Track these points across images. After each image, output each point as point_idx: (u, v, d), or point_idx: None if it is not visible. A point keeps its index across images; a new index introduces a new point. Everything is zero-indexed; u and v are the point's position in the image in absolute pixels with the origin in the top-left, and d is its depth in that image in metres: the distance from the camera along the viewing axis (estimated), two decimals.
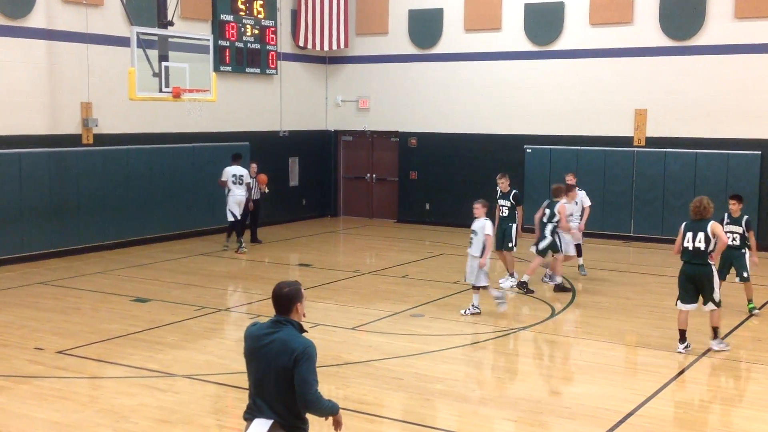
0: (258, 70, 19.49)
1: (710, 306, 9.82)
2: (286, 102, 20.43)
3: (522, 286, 13.00)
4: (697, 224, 9.81)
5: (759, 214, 17.15)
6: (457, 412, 7.98)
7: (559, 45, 19.03)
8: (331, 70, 21.97)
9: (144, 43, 13.40)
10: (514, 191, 13.55)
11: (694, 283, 9.81)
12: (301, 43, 20.71)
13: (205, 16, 18.18)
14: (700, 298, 9.88)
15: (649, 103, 18.14)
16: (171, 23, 14.40)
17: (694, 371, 9.25)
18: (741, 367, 9.49)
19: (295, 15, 20.71)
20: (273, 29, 19.75)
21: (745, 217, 11.78)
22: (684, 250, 9.84)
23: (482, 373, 9.36)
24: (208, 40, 14.87)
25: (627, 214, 18.43)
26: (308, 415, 4.90)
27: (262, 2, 19.35)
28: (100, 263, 15.17)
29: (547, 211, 13.02)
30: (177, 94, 13.67)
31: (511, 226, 13.42)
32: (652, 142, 18.16)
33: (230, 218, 16.63)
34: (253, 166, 17.43)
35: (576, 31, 18.81)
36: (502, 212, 13.54)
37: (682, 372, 9.18)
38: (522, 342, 10.56)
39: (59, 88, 15.55)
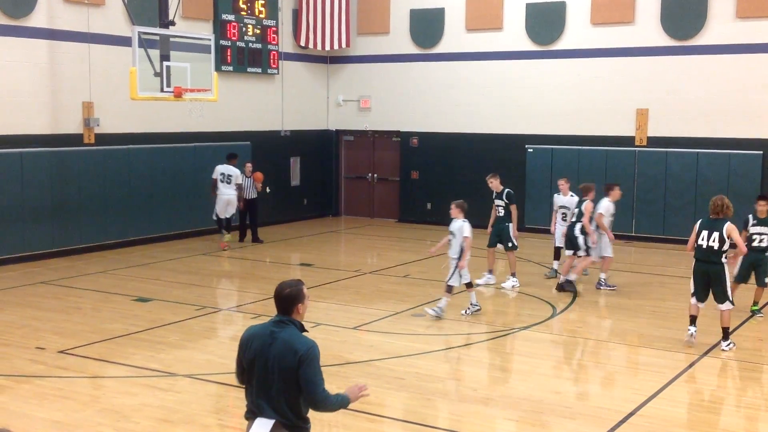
0: (259, 70, 19.49)
1: (727, 305, 9.86)
2: (287, 102, 20.44)
3: (565, 285, 12.72)
4: (714, 223, 9.80)
5: None
6: (458, 411, 7.98)
7: (561, 45, 19.02)
8: (332, 70, 21.97)
9: (145, 43, 13.40)
10: (506, 190, 13.38)
11: (706, 281, 9.90)
12: (303, 43, 20.71)
13: (206, 16, 18.18)
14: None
15: (650, 102, 18.13)
16: (172, 23, 14.40)
17: (695, 371, 9.25)
18: (743, 367, 9.49)
19: (297, 14, 20.71)
20: (274, 29, 19.75)
21: None
22: (697, 248, 9.88)
23: (483, 373, 9.35)
24: (210, 39, 14.87)
25: (628, 214, 18.39)
26: (310, 414, 4.91)
27: (263, 2, 19.35)
28: (102, 263, 15.18)
29: (576, 210, 12.91)
30: (178, 94, 13.67)
31: (508, 226, 13.35)
32: (653, 141, 18.15)
33: (213, 217, 16.85)
34: (248, 165, 17.46)
35: (577, 31, 18.80)
36: (498, 212, 13.47)
37: (683, 372, 9.18)
38: (523, 342, 10.55)
39: (60, 88, 15.56)
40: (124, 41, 14.76)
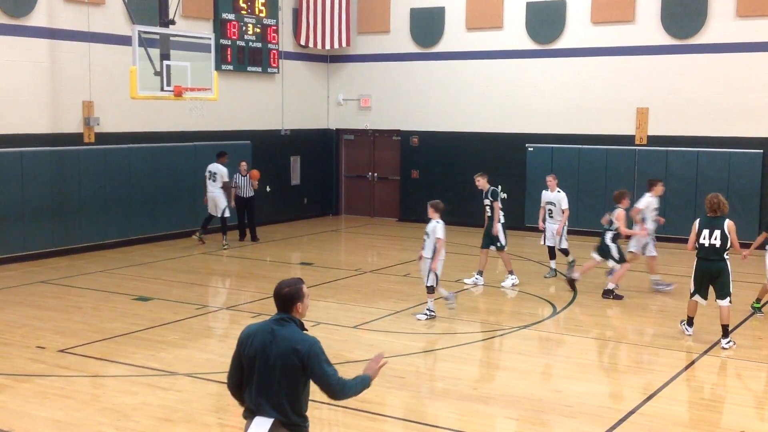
0: (259, 69, 19.49)
1: (727, 302, 9.94)
2: (287, 101, 20.44)
3: (608, 294, 12.47)
4: (713, 221, 9.93)
5: (761, 213, 17.13)
6: (458, 410, 7.98)
7: (561, 43, 19.02)
8: (332, 69, 21.97)
9: (145, 42, 13.39)
10: (491, 188, 13.34)
11: (709, 279, 10.00)
12: (303, 42, 20.71)
13: (206, 15, 18.18)
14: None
15: (650, 101, 18.13)
16: (172, 22, 14.39)
17: (696, 370, 9.25)
18: (743, 365, 9.48)
19: (297, 14, 20.71)
20: (274, 28, 19.75)
21: None
22: (700, 247, 9.99)
23: (484, 372, 9.36)
24: (210, 38, 14.87)
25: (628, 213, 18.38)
26: (309, 414, 4.91)
27: (263, 1, 19.35)
28: (102, 262, 15.18)
29: (608, 218, 12.64)
30: (178, 93, 13.67)
31: (498, 226, 13.27)
32: (653, 140, 18.15)
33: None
34: (243, 164, 17.49)
35: (578, 30, 18.80)
36: (487, 212, 13.42)
37: (683, 370, 9.18)
38: (523, 340, 10.55)
39: (61, 87, 15.56)
40: (125, 40, 14.76)
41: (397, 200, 21.58)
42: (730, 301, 10.00)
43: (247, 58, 19.10)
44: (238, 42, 18.81)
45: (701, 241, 9.93)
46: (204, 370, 8.99)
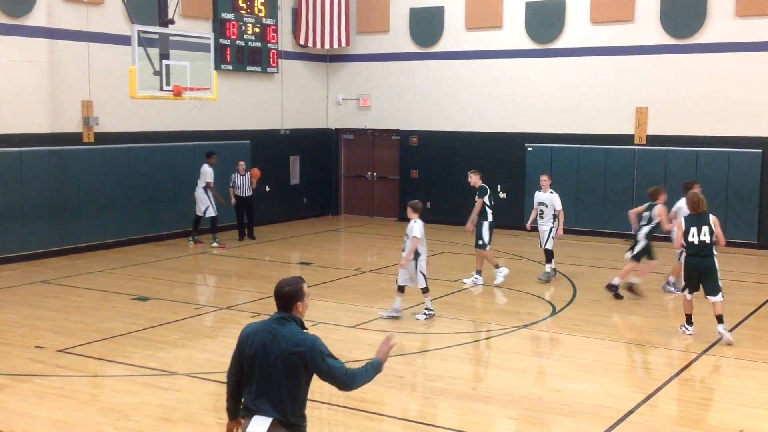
0: (259, 69, 19.49)
1: (719, 297, 10.10)
2: (287, 100, 20.44)
3: (611, 288, 12.43)
4: (700, 218, 10.20)
5: (760, 212, 17.15)
6: (458, 410, 7.98)
7: (560, 43, 19.02)
8: (332, 69, 21.97)
9: (145, 42, 13.39)
10: (480, 186, 13.38)
11: (698, 275, 10.18)
12: (302, 42, 20.71)
13: (206, 15, 18.18)
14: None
15: (650, 101, 18.13)
16: (172, 21, 14.39)
17: (694, 369, 9.25)
18: (741, 364, 9.49)
19: (296, 13, 20.71)
20: (274, 27, 19.75)
21: None
22: (690, 244, 10.17)
23: (483, 371, 9.36)
24: (209, 38, 14.87)
25: (627, 212, 18.39)
26: (307, 413, 4.91)
27: (262, 1, 19.35)
28: (101, 262, 15.18)
29: (646, 213, 12.52)
30: (178, 93, 13.67)
31: (482, 224, 13.32)
32: (653, 140, 18.15)
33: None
34: (241, 163, 17.53)
35: (577, 29, 18.80)
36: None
37: (682, 370, 9.18)
38: (523, 340, 10.55)
39: (60, 87, 15.55)
40: (124, 40, 14.76)
41: (397, 200, 21.57)
42: (722, 296, 10.17)
43: (246, 57, 19.10)
44: (237, 42, 18.80)
45: (690, 239, 10.15)
46: (203, 369, 8.99)
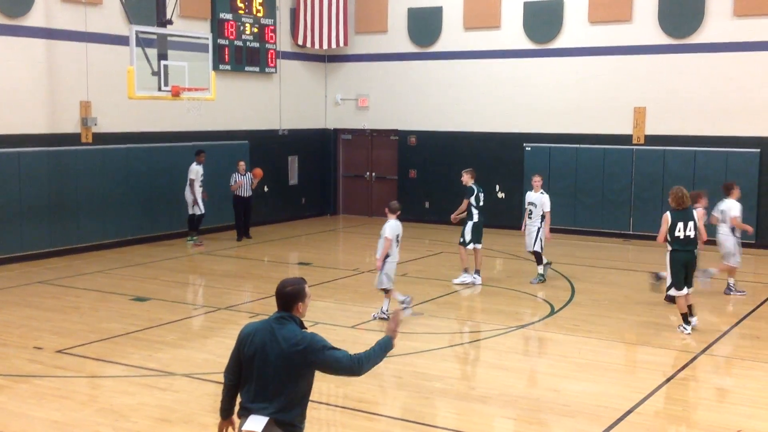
0: (257, 69, 19.48)
1: (692, 288, 10.63)
2: (285, 100, 20.44)
3: (656, 278, 12.01)
4: (685, 213, 10.44)
5: (758, 212, 17.16)
6: (456, 410, 7.99)
7: (559, 43, 19.03)
8: (330, 69, 21.97)
9: (143, 42, 13.39)
10: (467, 186, 13.46)
11: (686, 269, 10.47)
12: (301, 42, 20.71)
13: (204, 15, 18.17)
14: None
15: (648, 101, 18.14)
16: (170, 22, 14.38)
17: (692, 369, 9.26)
18: (740, 364, 9.50)
19: (295, 13, 20.71)
20: (272, 28, 19.75)
21: None
22: (676, 239, 10.40)
23: (481, 371, 9.36)
24: (207, 38, 14.86)
25: (626, 212, 18.44)
26: (306, 414, 4.91)
27: (261, 1, 19.34)
28: (100, 262, 15.17)
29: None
30: (176, 93, 13.67)
31: (467, 223, 13.39)
32: (651, 139, 18.16)
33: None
34: (241, 163, 17.58)
35: (575, 29, 18.81)
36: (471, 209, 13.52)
37: (681, 369, 9.19)
38: (521, 340, 10.56)
39: (58, 87, 15.55)
40: (122, 40, 14.75)
41: (395, 200, 21.53)
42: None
43: (244, 57, 19.09)
44: (235, 42, 18.80)
45: (677, 233, 10.38)
46: (202, 370, 8.99)
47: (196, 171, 16.80)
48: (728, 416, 7.89)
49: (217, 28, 18.28)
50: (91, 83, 15.78)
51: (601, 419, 7.65)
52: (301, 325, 4.86)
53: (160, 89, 13.60)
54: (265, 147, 19.83)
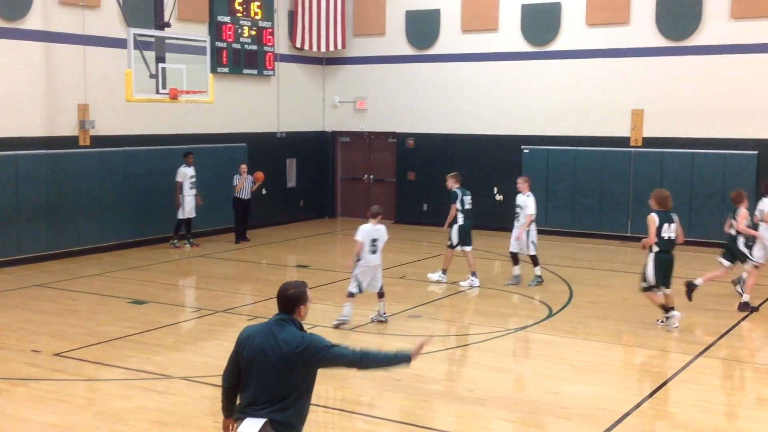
0: (255, 72, 19.48)
1: (670, 290, 10.79)
2: (283, 103, 20.44)
3: (745, 306, 11.88)
4: (669, 215, 10.69)
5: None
6: (454, 412, 7.98)
7: (556, 45, 19.04)
8: (328, 71, 21.97)
9: (141, 45, 13.38)
10: (452, 190, 13.55)
11: (668, 270, 10.72)
12: (299, 44, 20.71)
13: (202, 18, 18.17)
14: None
15: (645, 103, 18.15)
16: (168, 25, 14.38)
17: (690, 371, 9.26)
18: (738, 367, 9.50)
19: (292, 16, 20.71)
20: (270, 30, 19.75)
21: None
22: (662, 240, 10.62)
23: (480, 374, 9.35)
24: (205, 41, 14.88)
25: (624, 214, 18.44)
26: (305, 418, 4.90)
27: (259, 3, 19.35)
28: (98, 265, 15.15)
29: (733, 221, 12.21)
30: (174, 96, 13.66)
31: (453, 226, 13.45)
32: (649, 142, 18.18)
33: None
34: (243, 166, 17.63)
35: (573, 32, 18.82)
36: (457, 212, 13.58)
37: (679, 372, 9.19)
38: (519, 342, 10.56)
39: (56, 90, 15.54)
40: (120, 43, 14.74)
41: (393, 202, 21.57)
42: None
43: (242, 60, 19.10)
44: (233, 44, 18.80)
45: (663, 234, 10.57)
46: (200, 373, 8.98)
47: (183, 173, 16.71)
48: (726, 418, 7.89)
49: (215, 30, 18.28)
50: (89, 86, 15.77)
51: (599, 421, 7.65)
52: (301, 328, 4.87)
53: (158, 92, 13.60)
54: (263, 150, 19.83)
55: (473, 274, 13.57)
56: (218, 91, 16.51)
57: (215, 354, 9.63)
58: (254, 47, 19.36)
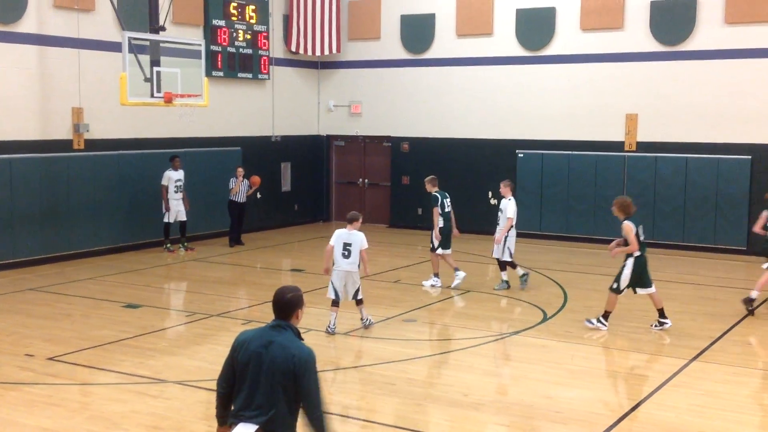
0: (250, 75, 19.49)
1: (654, 288, 11.03)
2: (278, 107, 20.44)
3: (748, 302, 11.92)
4: (635, 219, 10.95)
5: (749, 219, 17.20)
6: (449, 417, 7.98)
7: (551, 50, 19.08)
8: (323, 75, 21.99)
9: (135, 48, 13.38)
10: (432, 194, 13.64)
11: (644, 271, 10.92)
12: (294, 48, 20.72)
13: (197, 21, 18.17)
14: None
15: (639, 107, 18.20)
16: (163, 28, 14.38)
17: (684, 375, 9.27)
18: (731, 371, 9.52)
19: (287, 20, 20.73)
20: (265, 34, 19.76)
21: None
22: (641, 244, 10.86)
23: (474, 378, 9.35)
24: (200, 45, 14.88)
25: (618, 219, 18.42)
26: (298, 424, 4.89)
27: (254, 7, 19.36)
28: (92, 269, 15.12)
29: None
30: (169, 100, 13.66)
31: (436, 230, 13.54)
32: (643, 146, 18.22)
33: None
34: (240, 169, 17.65)
35: (567, 37, 18.87)
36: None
37: (673, 376, 9.20)
38: (514, 346, 10.56)
39: (50, 94, 15.51)
40: (114, 47, 14.75)
41: (388, 206, 21.59)
42: None
43: (237, 64, 19.09)
44: (228, 48, 18.80)
45: (640, 238, 10.83)
46: (194, 377, 8.96)
47: (167, 177, 16.64)
48: (719, 423, 7.90)
49: (210, 34, 18.29)
50: (84, 89, 15.75)
51: (593, 426, 7.66)
52: (299, 335, 4.84)
53: (152, 95, 13.60)
54: (257, 153, 19.82)
55: (436, 275, 13.76)
56: (213, 94, 16.49)
57: (209, 358, 9.62)
58: (249, 51, 19.37)
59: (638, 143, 18.28)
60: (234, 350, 4.85)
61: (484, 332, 11.09)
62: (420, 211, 20.86)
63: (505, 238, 13.44)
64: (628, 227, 10.74)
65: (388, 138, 21.39)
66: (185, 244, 17.09)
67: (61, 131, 15.77)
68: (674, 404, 8.44)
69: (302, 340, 4.85)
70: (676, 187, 17.84)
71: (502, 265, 13.61)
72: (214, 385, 5.09)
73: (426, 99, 20.59)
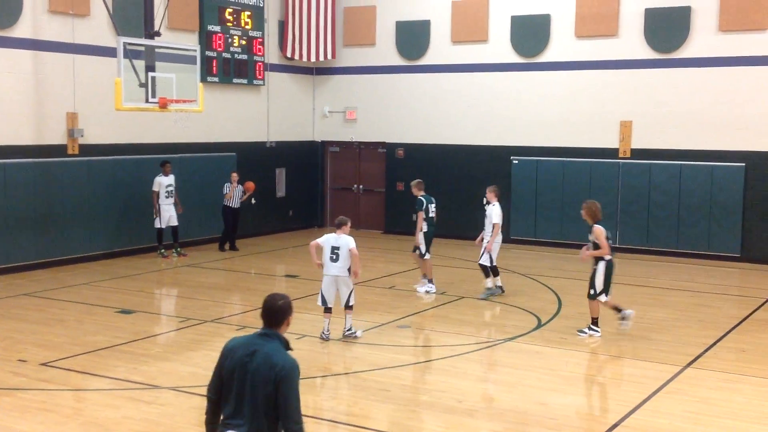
0: (245, 81, 19.49)
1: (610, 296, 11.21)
2: (273, 113, 20.44)
3: None
4: (603, 224, 11.03)
5: (743, 226, 17.27)
6: (443, 423, 7.97)
7: (546, 57, 19.13)
8: (318, 81, 22.00)
9: (130, 54, 13.37)
10: (418, 198, 13.78)
11: (611, 275, 11.10)
12: (289, 54, 20.73)
13: (192, 27, 18.17)
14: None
15: (634, 115, 18.25)
16: (158, 34, 14.38)
17: (679, 382, 9.28)
18: (726, 377, 9.53)
19: (283, 26, 20.74)
20: (260, 40, 19.77)
21: None
22: (612, 249, 11.00)
23: (468, 385, 9.34)
24: (195, 50, 14.89)
25: (612, 226, 18.46)
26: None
27: (249, 13, 19.38)
28: (85, 274, 15.08)
29: None
30: (163, 105, 13.65)
31: (419, 234, 13.61)
32: (637, 153, 18.26)
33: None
34: (234, 174, 17.67)
35: (562, 44, 18.92)
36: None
37: (667, 383, 9.21)
38: (508, 353, 10.56)
39: (45, 98, 15.49)
40: (109, 52, 14.73)
41: (383, 212, 21.59)
42: None
43: (232, 70, 19.10)
44: (223, 54, 18.80)
45: (611, 244, 10.99)
46: (187, 383, 8.94)
47: (158, 183, 16.60)
48: (714, 429, 7.91)
49: (205, 40, 18.29)
50: (78, 94, 15.74)
51: None
52: (287, 346, 4.79)
53: (147, 101, 13.59)
54: (252, 159, 19.81)
55: (428, 278, 13.69)
56: (208, 100, 16.48)
57: (203, 364, 9.59)
58: (244, 57, 19.37)
59: (633, 150, 18.32)
60: (222, 357, 4.81)
61: (478, 339, 11.09)
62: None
63: (495, 243, 13.40)
64: (600, 230, 10.84)
65: (383, 144, 21.41)
66: (178, 249, 17.06)
67: (56, 136, 15.74)
68: (668, 411, 8.45)
69: (290, 350, 4.79)
70: (670, 194, 17.89)
71: (495, 271, 13.57)
72: (205, 391, 5.07)
73: (421, 105, 20.62)
